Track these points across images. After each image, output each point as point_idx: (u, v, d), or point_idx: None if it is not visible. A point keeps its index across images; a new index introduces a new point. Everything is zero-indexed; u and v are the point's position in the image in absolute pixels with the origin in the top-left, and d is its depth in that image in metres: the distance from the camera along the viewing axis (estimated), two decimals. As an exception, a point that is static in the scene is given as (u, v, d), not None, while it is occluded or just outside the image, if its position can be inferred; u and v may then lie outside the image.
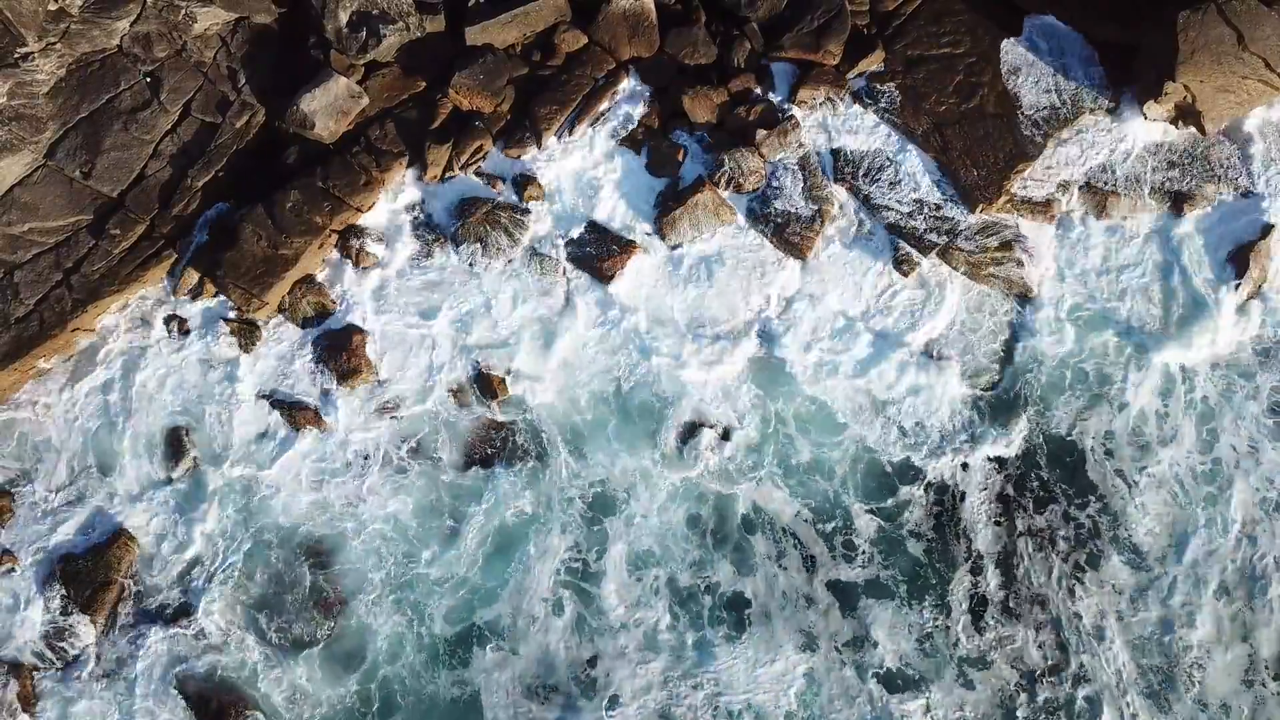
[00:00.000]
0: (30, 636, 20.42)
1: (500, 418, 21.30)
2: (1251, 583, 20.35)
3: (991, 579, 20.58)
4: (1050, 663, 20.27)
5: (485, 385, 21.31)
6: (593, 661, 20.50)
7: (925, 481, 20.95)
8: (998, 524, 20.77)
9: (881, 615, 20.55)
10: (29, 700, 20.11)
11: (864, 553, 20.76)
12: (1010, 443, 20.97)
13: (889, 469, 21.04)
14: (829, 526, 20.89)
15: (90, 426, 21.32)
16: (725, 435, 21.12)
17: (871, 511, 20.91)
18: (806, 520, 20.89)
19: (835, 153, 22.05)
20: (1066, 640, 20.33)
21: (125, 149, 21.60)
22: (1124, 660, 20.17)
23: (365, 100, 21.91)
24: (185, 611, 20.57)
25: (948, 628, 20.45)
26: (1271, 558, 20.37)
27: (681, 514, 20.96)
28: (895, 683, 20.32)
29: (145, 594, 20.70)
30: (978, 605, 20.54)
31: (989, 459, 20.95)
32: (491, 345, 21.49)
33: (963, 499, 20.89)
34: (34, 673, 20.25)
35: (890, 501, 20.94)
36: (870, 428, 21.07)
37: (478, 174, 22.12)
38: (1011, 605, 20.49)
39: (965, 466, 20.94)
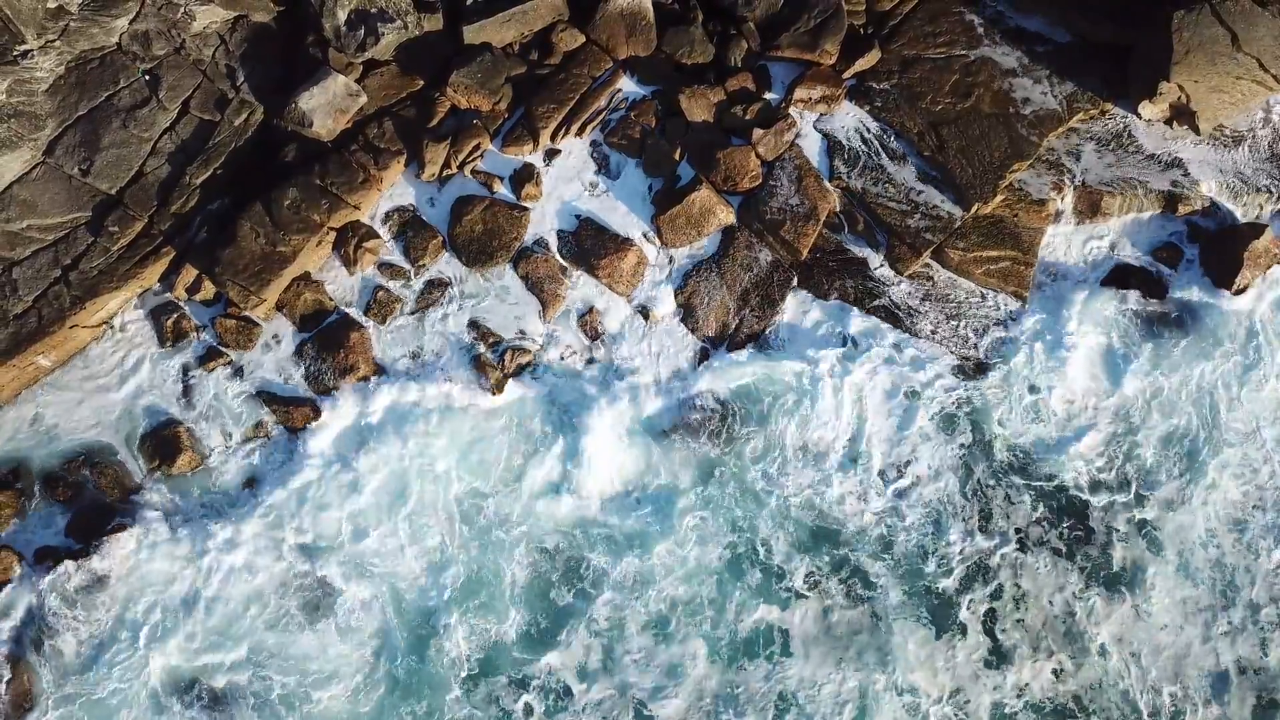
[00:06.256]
0: (26, 634, 20.47)
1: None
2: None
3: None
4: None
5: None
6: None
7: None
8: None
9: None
10: (28, 698, 20.13)
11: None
12: None
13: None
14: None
15: (86, 423, 21.39)
16: None
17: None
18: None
19: (831, 151, 22.15)
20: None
21: (124, 146, 21.65)
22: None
23: (363, 98, 21.96)
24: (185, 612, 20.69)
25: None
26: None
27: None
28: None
29: (141, 592, 20.74)
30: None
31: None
32: (491, 340, 21.59)
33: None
34: (32, 669, 20.30)
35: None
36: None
37: (474, 173, 22.18)
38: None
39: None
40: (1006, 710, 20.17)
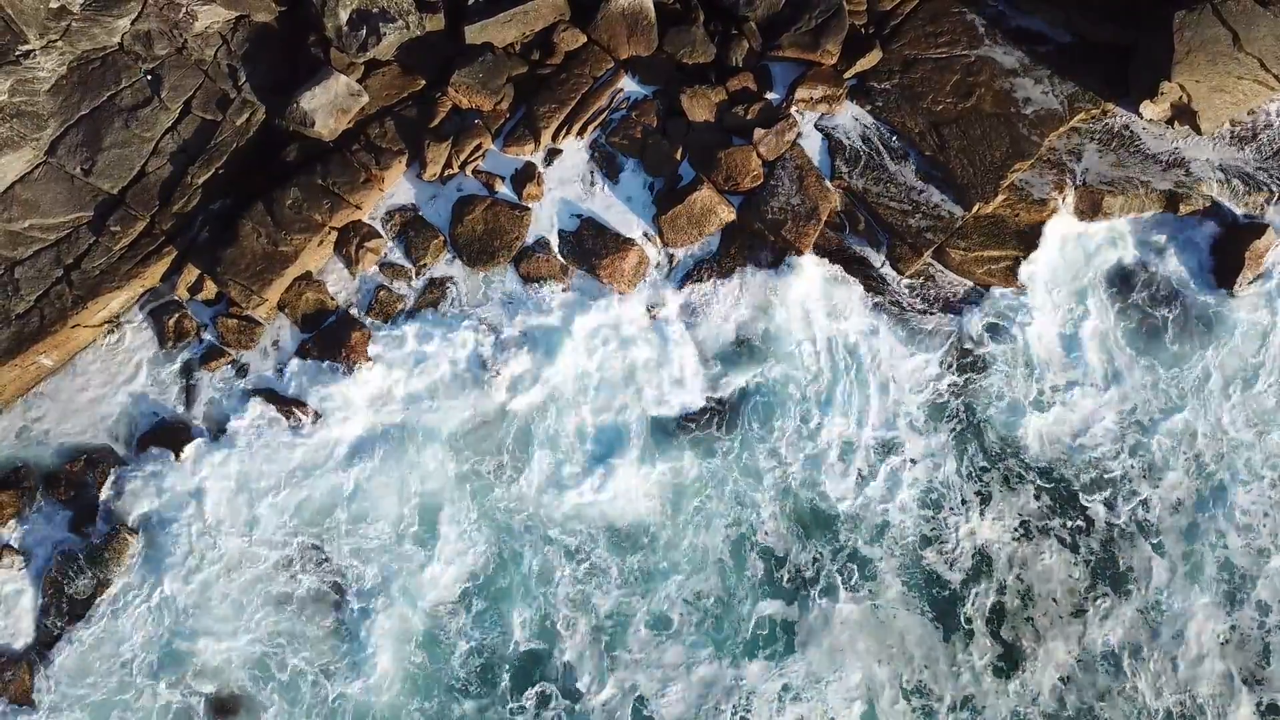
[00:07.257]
0: (27, 634, 20.50)
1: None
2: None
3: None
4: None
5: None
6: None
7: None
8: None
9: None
10: (26, 695, 20.15)
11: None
12: None
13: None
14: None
15: (88, 423, 21.38)
16: None
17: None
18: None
19: (832, 151, 22.16)
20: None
21: (126, 146, 21.68)
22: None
23: (365, 98, 22.00)
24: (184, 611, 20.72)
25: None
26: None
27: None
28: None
29: (142, 591, 20.75)
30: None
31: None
32: (495, 340, 21.63)
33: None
34: (32, 669, 20.31)
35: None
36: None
37: (476, 173, 22.20)
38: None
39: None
40: (1021, 715, 20.22)
